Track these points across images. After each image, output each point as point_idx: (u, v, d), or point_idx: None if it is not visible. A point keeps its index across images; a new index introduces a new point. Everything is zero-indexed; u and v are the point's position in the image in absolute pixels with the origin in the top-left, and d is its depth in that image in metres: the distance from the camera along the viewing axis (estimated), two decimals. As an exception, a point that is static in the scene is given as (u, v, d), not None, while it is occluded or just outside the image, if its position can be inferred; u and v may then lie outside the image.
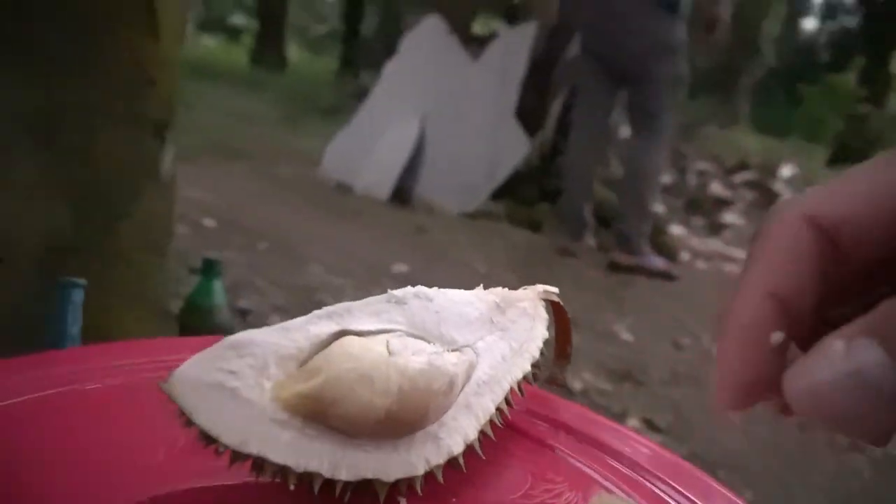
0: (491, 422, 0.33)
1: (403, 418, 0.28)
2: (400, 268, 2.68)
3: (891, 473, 1.85)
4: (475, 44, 3.93)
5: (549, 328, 0.39)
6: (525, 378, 0.37)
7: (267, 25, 11.53)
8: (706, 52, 3.25)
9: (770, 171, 5.43)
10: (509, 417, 0.36)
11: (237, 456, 0.27)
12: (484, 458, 0.33)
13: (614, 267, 3.11)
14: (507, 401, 0.35)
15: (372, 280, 2.49)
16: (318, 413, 0.27)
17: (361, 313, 0.32)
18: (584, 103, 3.19)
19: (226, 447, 0.27)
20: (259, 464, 0.27)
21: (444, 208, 3.69)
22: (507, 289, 0.39)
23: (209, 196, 3.20)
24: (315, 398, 0.27)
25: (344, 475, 0.27)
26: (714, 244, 4.22)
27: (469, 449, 0.32)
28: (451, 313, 0.35)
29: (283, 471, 0.27)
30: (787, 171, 5.50)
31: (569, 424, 0.40)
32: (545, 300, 0.40)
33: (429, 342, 0.32)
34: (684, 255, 3.80)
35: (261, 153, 4.70)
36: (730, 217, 4.74)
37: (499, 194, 3.73)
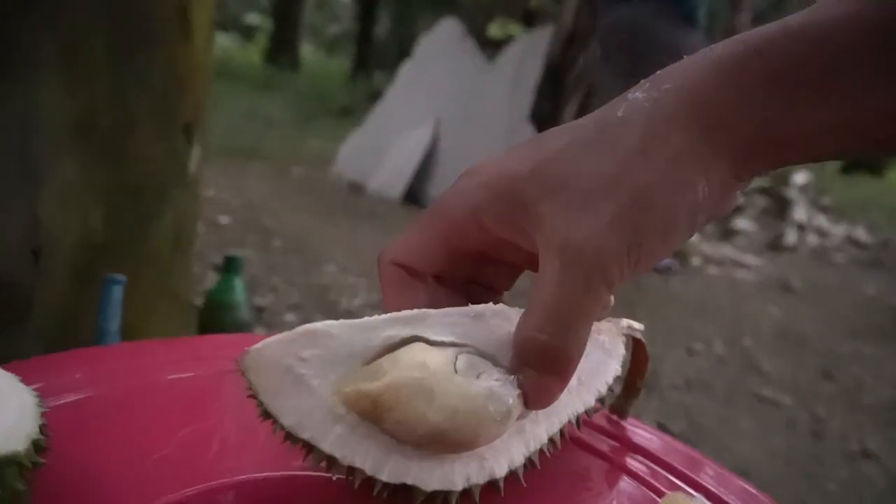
0: (540, 451, 0.33)
1: (452, 437, 0.28)
2: (413, 269, 2.70)
3: (863, 467, 1.84)
4: (491, 47, 3.95)
5: (623, 363, 0.37)
6: (586, 412, 0.35)
7: (281, 25, 11.61)
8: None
9: (783, 177, 5.41)
10: (559, 448, 0.34)
11: (290, 437, 0.29)
12: (525, 485, 0.32)
13: None
14: (561, 432, 0.34)
15: (386, 281, 2.51)
16: (373, 414, 0.28)
17: (438, 323, 0.31)
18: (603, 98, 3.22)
19: (281, 427, 0.28)
20: (308, 449, 0.29)
21: (457, 210, 3.70)
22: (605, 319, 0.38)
23: (224, 194, 3.23)
24: (373, 399, 0.28)
25: (385, 476, 0.28)
26: (726, 250, 4.21)
27: (512, 474, 0.31)
28: None
29: (329, 460, 0.28)
30: (800, 178, 5.48)
31: (636, 443, 0.40)
32: (627, 336, 0.38)
33: (497, 364, 0.31)
34: (696, 261, 3.79)
35: (274, 152, 4.74)
36: (742, 223, 4.73)
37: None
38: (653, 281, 3.17)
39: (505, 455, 0.31)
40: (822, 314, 3.25)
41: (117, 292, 0.57)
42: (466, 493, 0.30)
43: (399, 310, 0.31)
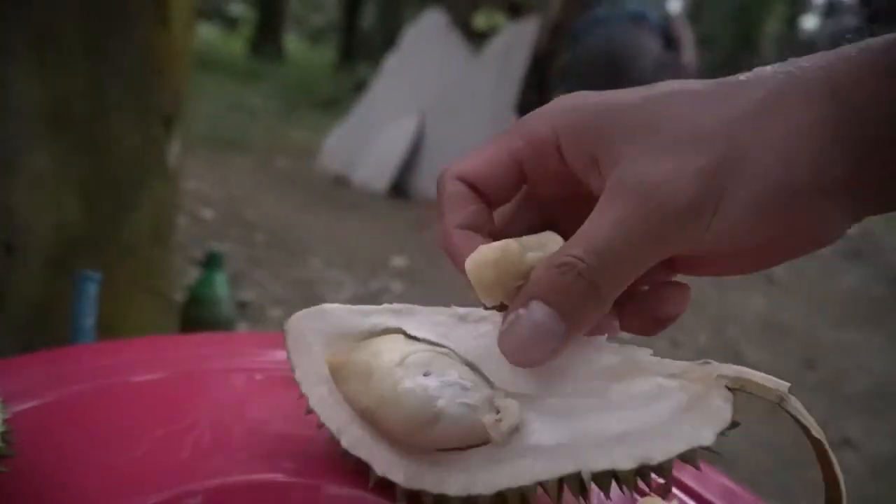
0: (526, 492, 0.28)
1: (380, 422, 0.30)
2: (399, 262, 2.68)
3: (882, 471, 1.87)
4: (476, 38, 3.93)
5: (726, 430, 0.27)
6: (618, 478, 0.27)
7: (266, 16, 11.47)
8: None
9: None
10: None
11: (302, 394, 0.33)
12: None
13: None
14: (561, 481, 0.27)
15: (371, 274, 2.49)
16: (336, 382, 0.32)
17: (422, 320, 0.32)
18: None
19: (294, 378, 0.34)
20: (310, 410, 0.33)
21: (443, 203, 3.69)
22: (645, 352, 0.29)
23: (207, 187, 3.19)
24: (335, 370, 0.32)
25: (343, 442, 0.32)
26: (711, 242, 4.23)
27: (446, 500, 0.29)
28: None
29: (314, 413, 0.33)
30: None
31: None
32: (732, 389, 0.27)
33: (475, 375, 0.30)
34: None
35: (258, 144, 4.69)
36: (726, 215, 4.76)
37: (497, 189, 3.73)
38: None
39: (463, 474, 0.29)
40: (804, 304, 3.29)
41: (91, 288, 0.55)
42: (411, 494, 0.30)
43: (458, 226, 0.31)
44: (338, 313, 0.34)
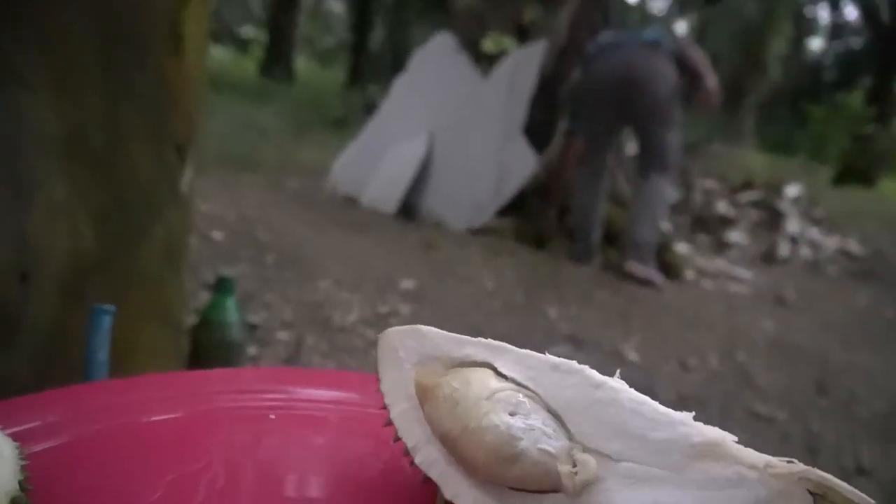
0: None
1: (459, 450, 0.31)
2: (408, 283, 2.69)
3: (857, 482, 1.84)
4: (485, 61, 3.96)
5: None
6: None
7: (276, 37, 11.63)
8: (704, 114, 3.50)
9: (775, 190, 5.43)
10: None
11: (384, 406, 0.35)
12: None
13: (625, 276, 3.21)
14: None
15: (380, 296, 2.49)
16: (421, 401, 0.34)
17: (512, 358, 0.34)
18: (588, 143, 3.36)
19: (379, 388, 0.35)
20: (390, 422, 0.35)
21: (451, 224, 3.70)
22: (731, 439, 0.29)
23: (217, 208, 3.22)
24: (423, 391, 0.34)
25: (417, 460, 0.33)
26: (719, 263, 4.21)
27: None
28: (613, 412, 0.30)
29: (393, 425, 0.34)
30: (792, 190, 5.51)
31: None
32: (813, 493, 0.27)
33: (557, 424, 0.30)
34: (689, 274, 3.79)
35: (268, 164, 4.73)
36: (735, 236, 4.74)
37: (506, 211, 3.74)
38: (646, 294, 3.17)
39: None
40: (815, 326, 3.26)
41: (106, 322, 0.56)
42: None
43: None
44: (433, 337, 0.35)
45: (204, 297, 1.93)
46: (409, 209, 3.80)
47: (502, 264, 3.21)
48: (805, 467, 0.28)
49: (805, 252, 4.76)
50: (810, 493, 0.27)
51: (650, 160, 3.21)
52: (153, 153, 0.95)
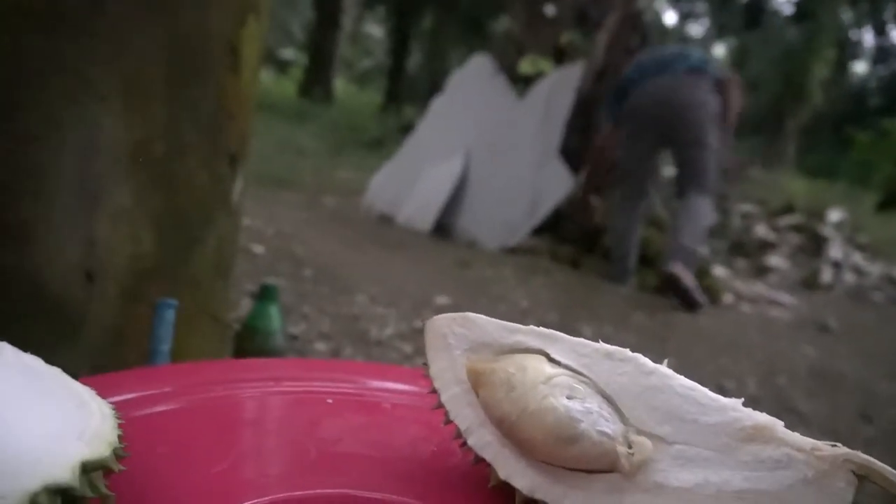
0: None
1: (516, 431, 0.32)
2: (442, 300, 2.71)
3: None
4: (522, 83, 4.01)
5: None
6: None
7: (316, 59, 11.92)
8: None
9: (817, 214, 5.32)
10: None
11: (430, 379, 0.36)
12: None
13: (669, 282, 3.14)
14: None
15: (415, 311, 2.52)
16: (475, 386, 0.35)
17: (565, 346, 0.35)
18: (628, 166, 3.35)
19: (427, 372, 0.36)
20: (436, 394, 0.36)
21: (486, 243, 3.72)
22: (779, 424, 0.31)
23: (258, 223, 3.30)
24: (477, 375, 0.35)
25: (471, 441, 0.34)
26: (758, 287, 4.14)
27: None
28: (665, 398, 0.32)
29: (443, 408, 0.36)
30: (834, 215, 5.39)
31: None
32: (857, 475, 0.29)
33: (611, 408, 0.32)
34: (728, 298, 3.74)
35: (307, 183, 4.83)
36: (774, 260, 4.66)
37: (540, 231, 3.75)
38: (682, 317, 3.13)
39: (584, 494, 0.31)
40: (859, 355, 3.17)
41: (170, 315, 0.59)
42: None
43: None
44: (483, 324, 0.36)
45: (245, 306, 1.99)
46: (443, 228, 3.84)
47: (536, 283, 3.21)
48: (849, 450, 0.29)
49: (848, 278, 4.65)
50: (854, 474, 0.29)
51: (688, 181, 3.20)
52: (208, 164, 1.00)
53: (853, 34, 14.55)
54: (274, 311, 1.30)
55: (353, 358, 2.03)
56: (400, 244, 3.54)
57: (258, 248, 2.94)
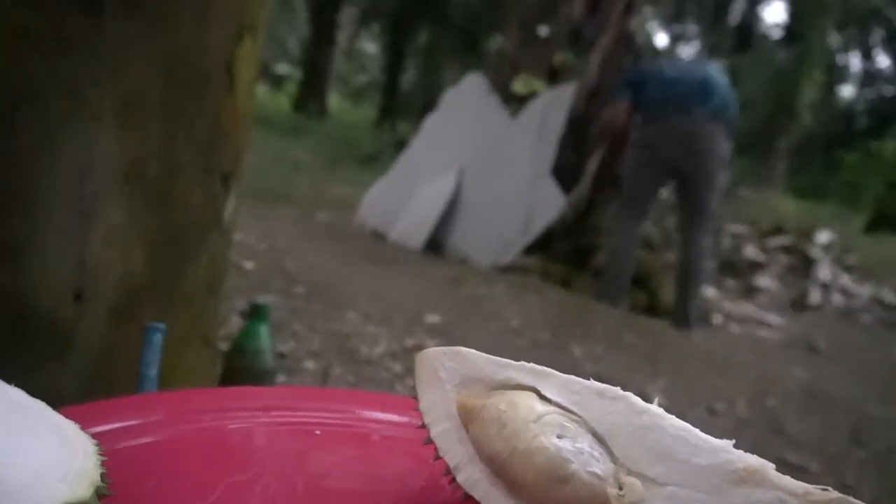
0: None
1: (506, 470, 0.32)
2: (433, 318, 2.70)
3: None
4: (515, 102, 4.04)
5: None
6: None
7: (310, 75, 11.98)
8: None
9: (806, 235, 5.37)
10: None
11: (420, 414, 0.36)
12: None
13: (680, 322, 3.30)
14: None
15: (407, 330, 2.51)
16: (465, 422, 0.35)
17: (557, 383, 0.35)
18: (633, 192, 3.40)
19: (417, 406, 0.36)
20: (425, 429, 0.36)
21: (478, 261, 3.72)
22: (770, 466, 0.31)
23: (250, 238, 3.29)
24: (468, 412, 0.34)
25: (460, 479, 0.34)
26: (747, 307, 4.15)
27: None
28: (656, 437, 0.32)
29: (433, 444, 0.35)
30: (823, 236, 5.43)
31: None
32: None
33: (602, 448, 0.32)
34: (717, 318, 3.75)
35: (301, 198, 4.83)
36: (764, 281, 4.68)
37: (532, 249, 3.76)
38: (673, 336, 3.13)
39: None
40: (849, 376, 3.18)
41: (157, 340, 0.59)
42: None
43: None
44: (475, 359, 0.36)
45: (235, 324, 1.97)
46: (436, 245, 3.84)
47: (528, 302, 3.21)
48: (841, 495, 0.29)
49: (837, 299, 4.67)
50: None
51: (697, 222, 3.29)
52: (202, 183, 0.99)
53: (841, 58, 14.78)
54: (264, 331, 1.29)
55: (343, 377, 2.01)
56: (392, 261, 3.54)
57: (249, 265, 2.93)
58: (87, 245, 0.80)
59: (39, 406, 0.31)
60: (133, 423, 0.40)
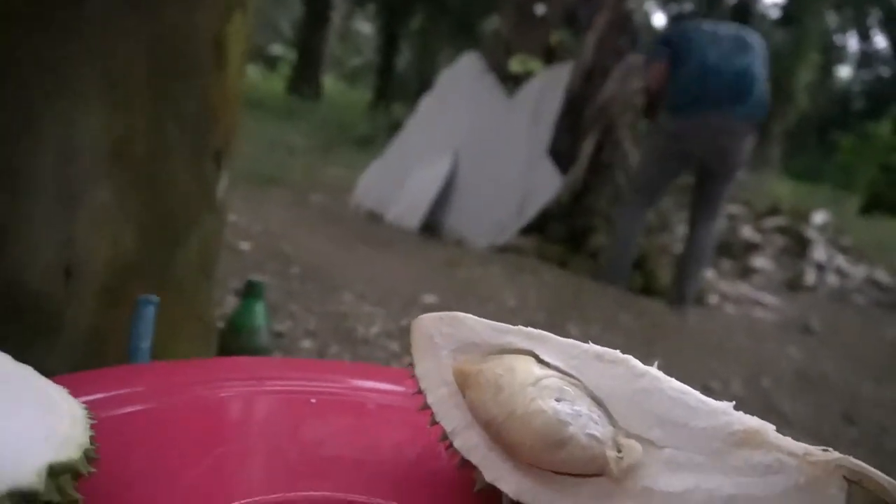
0: None
1: (503, 434, 0.32)
2: (430, 299, 2.70)
3: None
4: (511, 82, 4.01)
5: None
6: None
7: (305, 56, 11.87)
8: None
9: (802, 216, 5.38)
10: None
11: (415, 380, 0.36)
12: None
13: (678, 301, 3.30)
14: None
15: (402, 310, 2.51)
16: (462, 388, 0.34)
17: (555, 347, 0.34)
18: (650, 178, 3.32)
19: (413, 373, 0.36)
20: (422, 395, 0.36)
21: (474, 242, 3.72)
22: (771, 428, 0.30)
23: (245, 220, 3.28)
24: (464, 377, 0.34)
25: (457, 444, 0.34)
26: (743, 288, 4.17)
27: None
28: (656, 401, 0.31)
29: (429, 410, 0.35)
30: (819, 217, 5.44)
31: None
32: (849, 480, 0.28)
33: (601, 411, 0.31)
34: (713, 298, 3.76)
35: (295, 180, 4.81)
36: (759, 261, 4.70)
37: (528, 230, 3.75)
38: (669, 317, 3.14)
39: (572, 499, 0.31)
40: (842, 356, 3.20)
41: (150, 312, 0.58)
42: None
43: None
44: (471, 324, 0.36)
45: (230, 304, 1.97)
46: (432, 227, 3.83)
47: (524, 283, 3.21)
48: (841, 456, 0.29)
49: (832, 280, 4.69)
50: (846, 479, 0.28)
51: (708, 212, 3.24)
52: (192, 163, 0.98)
53: (838, 39, 14.71)
54: (259, 308, 1.28)
55: (340, 356, 2.01)
56: (388, 242, 3.53)
57: (245, 246, 2.92)
58: (75, 224, 0.79)
59: (26, 370, 0.30)
60: (123, 391, 0.39)
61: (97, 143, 0.81)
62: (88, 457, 0.27)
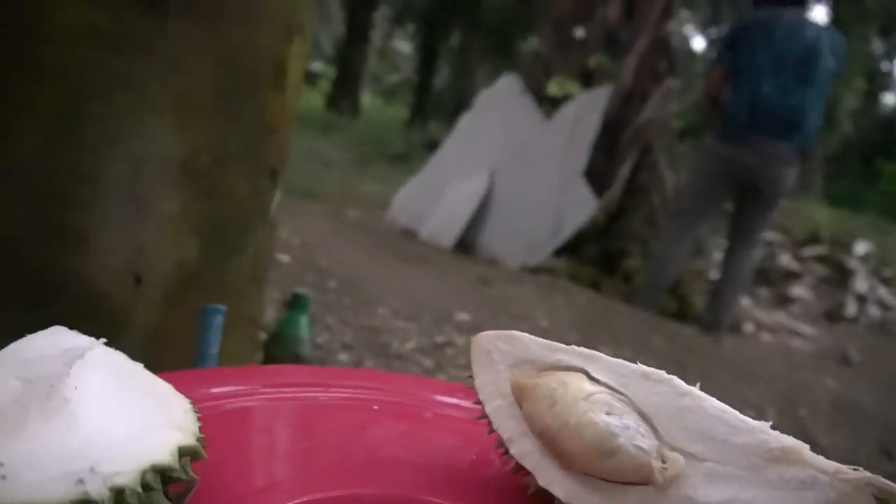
0: None
1: (557, 443, 0.35)
2: (463, 316, 2.73)
3: None
4: (549, 104, 4.05)
5: None
6: None
7: (344, 73, 12.11)
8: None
9: (843, 245, 5.27)
10: None
11: (474, 391, 0.39)
12: None
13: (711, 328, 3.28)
14: None
15: (436, 327, 2.54)
16: (518, 399, 0.37)
17: (605, 366, 0.37)
18: (695, 202, 3.31)
19: (472, 384, 0.39)
20: (480, 405, 0.39)
21: (508, 261, 3.74)
22: (805, 447, 0.33)
23: (284, 233, 3.36)
24: (521, 389, 0.37)
25: (513, 451, 0.37)
26: (780, 317, 4.10)
27: None
28: (698, 418, 0.34)
29: (487, 419, 0.38)
30: (861, 247, 5.33)
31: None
32: (878, 498, 0.31)
33: (647, 425, 0.34)
34: (748, 326, 3.71)
35: (332, 195, 4.90)
36: (797, 290, 4.61)
37: (561, 251, 3.76)
38: (702, 343, 3.11)
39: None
40: (882, 389, 3.12)
41: (218, 321, 0.63)
42: None
43: None
44: (527, 342, 0.39)
45: (270, 314, 2.02)
46: (466, 244, 3.87)
47: (557, 303, 3.22)
48: (871, 475, 0.31)
49: (873, 312, 4.58)
50: (875, 497, 0.31)
51: (746, 233, 3.21)
52: (250, 177, 1.04)
53: (884, 65, 14.42)
54: (304, 320, 1.33)
55: (375, 370, 2.05)
56: (422, 259, 3.58)
57: (284, 258, 2.99)
58: (144, 232, 0.85)
59: (139, 367, 0.35)
60: (213, 391, 0.43)
61: (168, 156, 0.87)
62: (201, 444, 0.31)
